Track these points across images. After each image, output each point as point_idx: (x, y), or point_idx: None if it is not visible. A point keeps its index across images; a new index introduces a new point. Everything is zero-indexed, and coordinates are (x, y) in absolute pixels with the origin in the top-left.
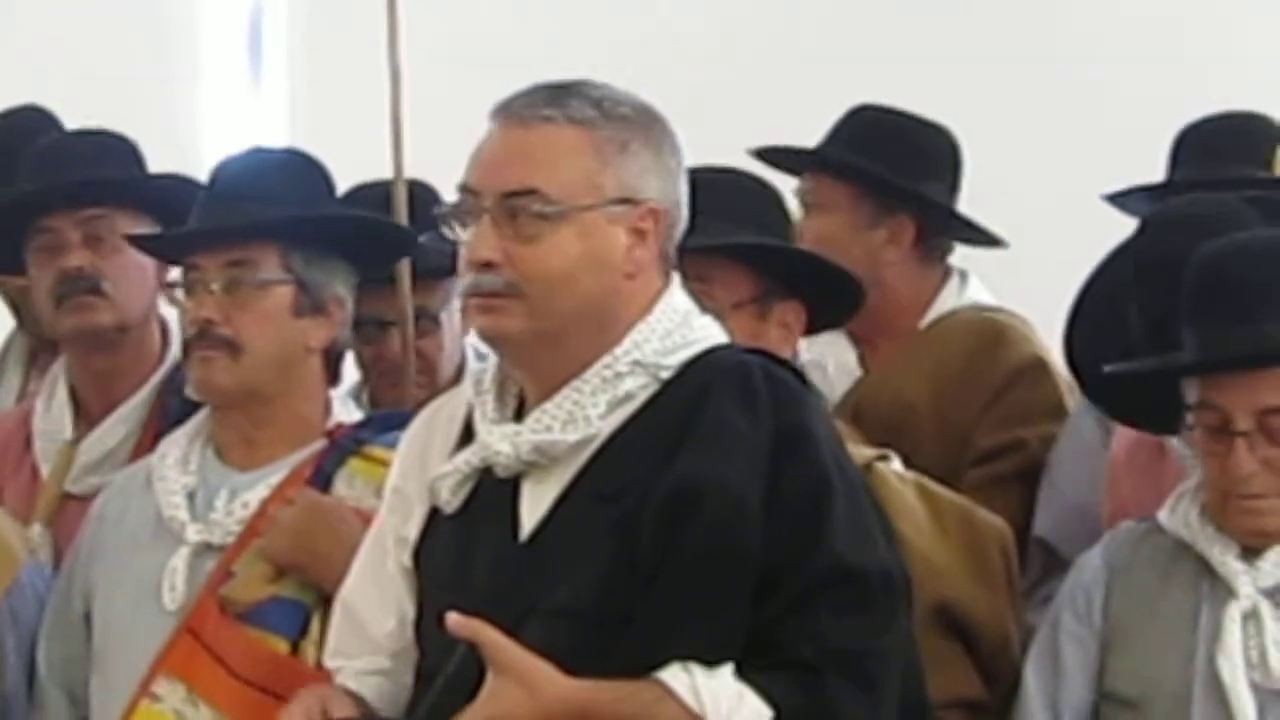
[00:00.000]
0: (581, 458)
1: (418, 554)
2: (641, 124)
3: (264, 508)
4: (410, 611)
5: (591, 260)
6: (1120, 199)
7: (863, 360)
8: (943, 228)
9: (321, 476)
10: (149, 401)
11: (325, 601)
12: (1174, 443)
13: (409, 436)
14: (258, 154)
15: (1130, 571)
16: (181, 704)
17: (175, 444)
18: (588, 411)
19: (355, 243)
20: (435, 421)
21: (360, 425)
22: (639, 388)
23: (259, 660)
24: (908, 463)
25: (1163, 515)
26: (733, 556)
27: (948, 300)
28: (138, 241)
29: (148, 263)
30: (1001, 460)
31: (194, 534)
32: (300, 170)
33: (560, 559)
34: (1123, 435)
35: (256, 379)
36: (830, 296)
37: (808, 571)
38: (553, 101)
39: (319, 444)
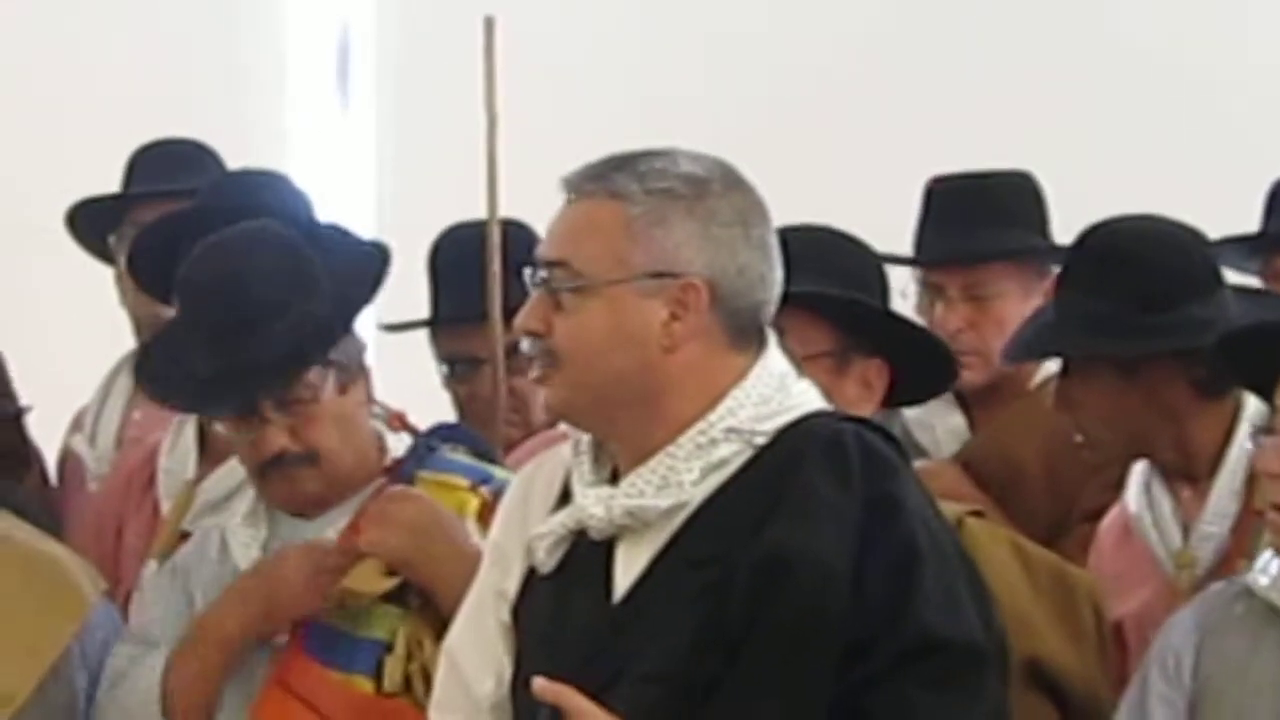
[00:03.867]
0: (675, 523)
1: (516, 611)
2: (687, 195)
3: None
4: (508, 670)
5: (620, 334)
6: (1214, 250)
7: (971, 424)
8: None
9: None
10: None
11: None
12: (1133, 512)
13: (510, 493)
14: (236, 257)
15: (1220, 633)
16: None
17: (243, 499)
18: (681, 477)
19: None
20: (536, 479)
21: (406, 459)
22: (733, 454)
23: (351, 702)
24: (1017, 523)
25: (1253, 577)
26: (820, 627)
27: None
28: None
29: None
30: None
31: None
32: (279, 255)
33: (651, 624)
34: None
35: (338, 470)
36: (918, 361)
37: (895, 643)
38: (600, 175)
39: (379, 482)
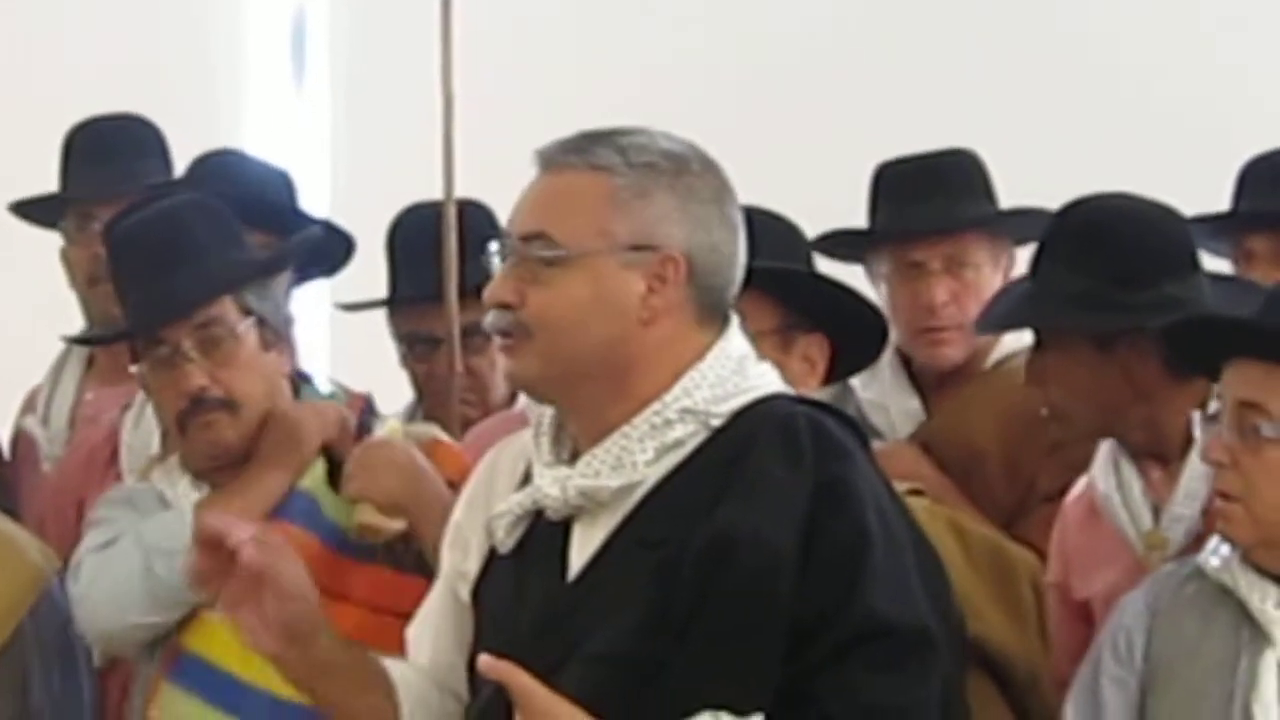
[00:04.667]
0: (629, 503)
1: (477, 592)
2: (669, 171)
3: None
4: (444, 646)
5: (600, 306)
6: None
7: (926, 407)
8: None
9: None
10: None
11: None
12: (1101, 491)
13: (475, 476)
14: (159, 214)
15: (1172, 614)
16: None
17: (185, 474)
18: (635, 458)
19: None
20: (500, 462)
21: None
22: (688, 435)
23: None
24: (977, 505)
25: (1205, 558)
26: (765, 608)
27: (1010, 339)
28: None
29: None
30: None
31: None
32: (205, 213)
33: (603, 603)
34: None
35: (256, 427)
36: (856, 333)
37: (841, 626)
38: (579, 148)
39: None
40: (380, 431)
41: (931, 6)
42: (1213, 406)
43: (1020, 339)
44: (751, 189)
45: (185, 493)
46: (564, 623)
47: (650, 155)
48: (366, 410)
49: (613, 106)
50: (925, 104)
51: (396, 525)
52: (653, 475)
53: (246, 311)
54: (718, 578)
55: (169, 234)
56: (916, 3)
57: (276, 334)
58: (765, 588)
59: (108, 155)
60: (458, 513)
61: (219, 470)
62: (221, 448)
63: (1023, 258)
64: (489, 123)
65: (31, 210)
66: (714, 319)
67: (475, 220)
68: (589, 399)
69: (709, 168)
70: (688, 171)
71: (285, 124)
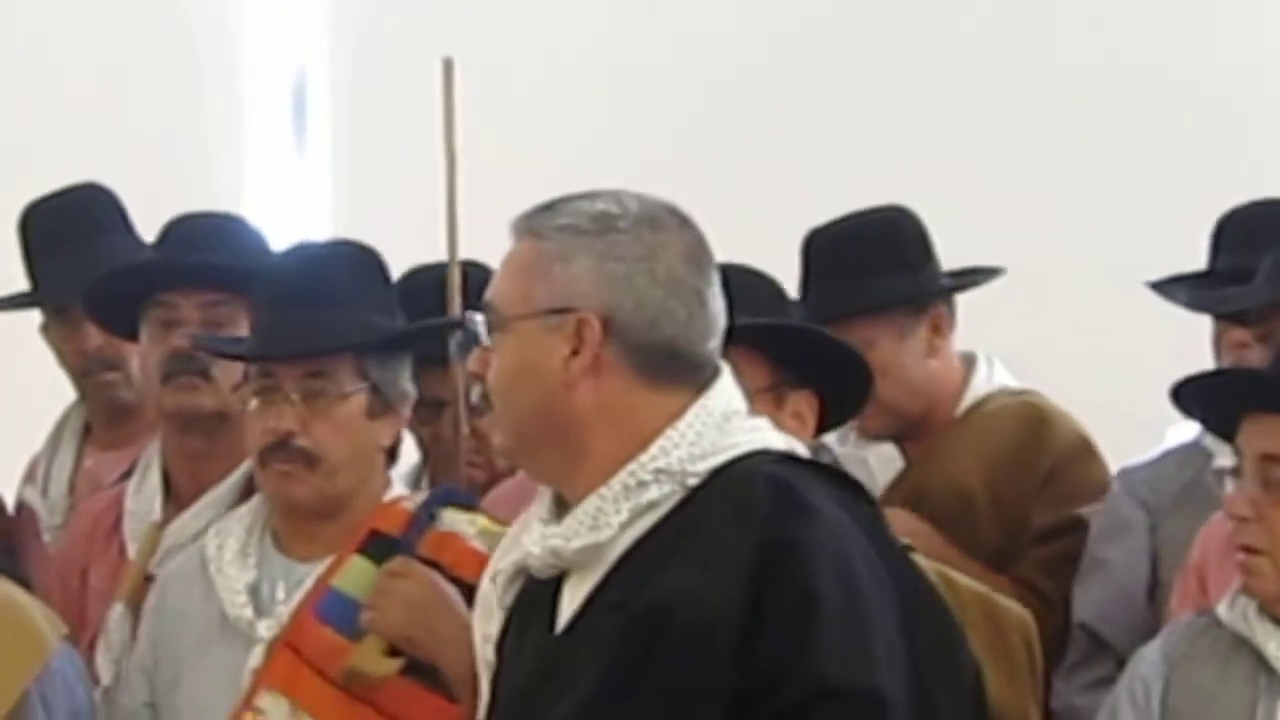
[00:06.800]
0: (606, 564)
1: (501, 650)
2: (591, 232)
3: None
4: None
5: (522, 371)
6: (1162, 287)
7: (903, 450)
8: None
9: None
10: (238, 487)
11: None
12: None
13: (507, 536)
14: (318, 251)
15: (1189, 664)
16: (286, 718)
17: (232, 534)
18: (610, 519)
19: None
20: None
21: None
22: (663, 496)
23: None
24: (968, 547)
25: (1221, 609)
26: (702, 673)
27: (980, 385)
28: (210, 348)
29: None
30: (1063, 538)
31: (264, 630)
32: (363, 266)
33: (575, 665)
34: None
35: (334, 487)
36: (841, 384)
37: (787, 689)
38: (529, 215)
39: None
40: (469, 529)
41: (923, 77)
42: (1233, 460)
43: (990, 382)
44: (751, 252)
45: (231, 560)
46: (547, 681)
47: (577, 218)
48: (435, 500)
49: (615, 168)
50: (916, 172)
51: (385, 670)
52: (627, 537)
53: (363, 375)
54: (655, 640)
55: (316, 274)
56: (910, 74)
57: (387, 404)
58: (702, 648)
59: (69, 240)
60: (484, 582)
61: (294, 517)
62: (291, 501)
63: None
64: (491, 184)
65: (7, 302)
66: (671, 377)
67: (479, 283)
68: (550, 466)
69: (648, 225)
70: (612, 230)
71: (287, 188)
